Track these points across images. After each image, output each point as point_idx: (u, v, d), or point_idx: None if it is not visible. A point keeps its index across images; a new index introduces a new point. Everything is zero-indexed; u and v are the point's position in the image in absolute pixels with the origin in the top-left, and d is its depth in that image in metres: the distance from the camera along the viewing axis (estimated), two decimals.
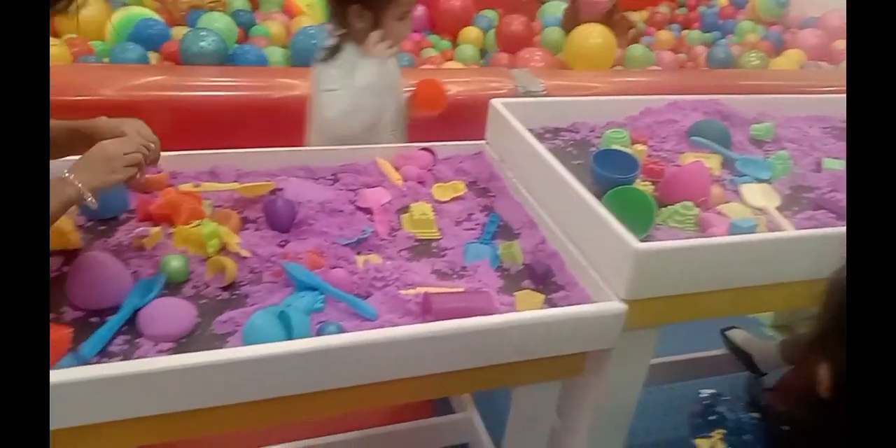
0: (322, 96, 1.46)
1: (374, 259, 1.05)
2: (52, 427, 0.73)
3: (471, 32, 3.16)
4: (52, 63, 2.14)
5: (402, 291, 0.96)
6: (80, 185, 0.86)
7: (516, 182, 1.25)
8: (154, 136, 0.97)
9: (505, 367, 0.93)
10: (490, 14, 3.35)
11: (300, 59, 2.23)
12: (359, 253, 1.07)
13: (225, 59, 2.18)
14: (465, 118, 1.41)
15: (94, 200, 0.88)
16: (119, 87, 1.82)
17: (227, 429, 0.89)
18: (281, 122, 1.82)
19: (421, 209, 1.16)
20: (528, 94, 2.07)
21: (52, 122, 1.00)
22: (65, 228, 1.03)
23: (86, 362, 0.81)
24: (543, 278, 1.04)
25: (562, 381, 1.12)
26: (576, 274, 1.03)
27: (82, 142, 0.95)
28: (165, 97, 1.82)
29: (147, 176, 1.18)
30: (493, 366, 0.92)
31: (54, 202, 0.85)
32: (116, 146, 0.91)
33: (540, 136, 1.33)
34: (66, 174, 0.88)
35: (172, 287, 0.96)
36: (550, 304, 0.99)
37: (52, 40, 2.25)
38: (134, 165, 0.91)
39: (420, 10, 3.08)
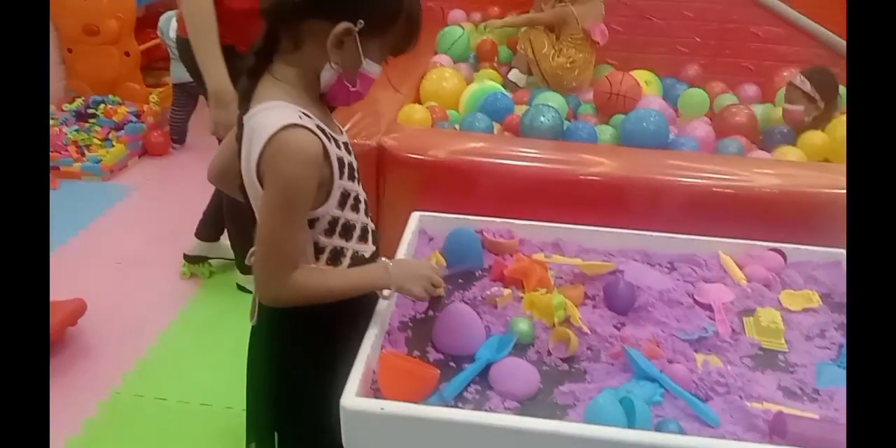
0: None
1: (715, 361, 1.01)
2: None
3: None
4: (415, 125, 2.46)
5: (749, 404, 0.91)
6: (391, 278, 1.00)
7: None
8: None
9: None
10: None
11: (630, 139, 2.30)
12: (697, 351, 1.04)
13: (559, 134, 2.34)
14: (820, 218, 1.30)
15: (388, 295, 1.03)
16: (457, 149, 2.04)
17: None
18: (604, 201, 1.88)
19: (770, 316, 1.10)
20: None
21: None
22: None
23: (446, 403, 0.91)
24: None
25: None
26: None
27: None
28: (495, 165, 2.00)
29: (500, 240, 1.31)
30: None
31: (367, 277, 1.01)
32: (436, 271, 1.06)
33: None
34: (390, 264, 1.02)
35: (518, 348, 1.04)
36: None
37: (416, 106, 2.62)
38: (429, 293, 1.04)
39: None
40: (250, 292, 2.14)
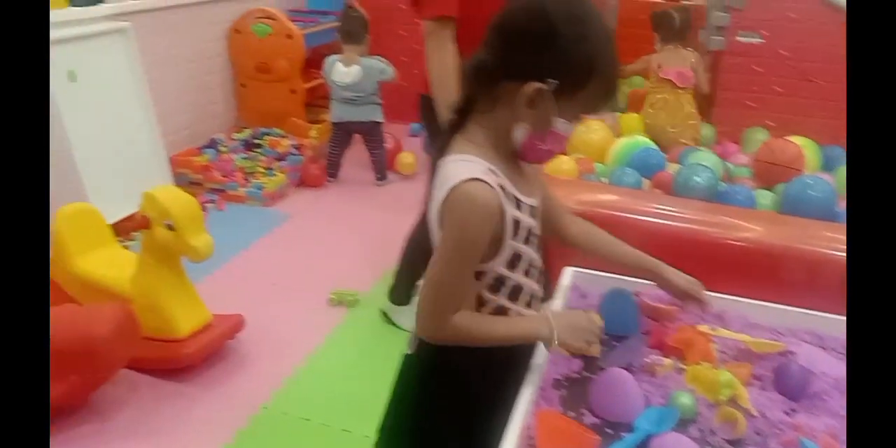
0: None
1: None
2: None
3: None
4: (561, 177, 2.44)
5: None
6: (555, 332, 1.00)
7: None
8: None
9: None
10: None
11: (791, 207, 2.20)
12: None
13: (714, 196, 2.28)
14: None
15: (551, 349, 1.02)
16: (607, 202, 2.03)
17: None
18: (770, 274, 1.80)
19: None
20: None
21: (624, 248, 1.20)
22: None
23: None
24: None
25: None
26: None
27: (645, 274, 1.10)
28: (647, 222, 1.97)
29: (660, 305, 1.29)
30: None
31: (527, 326, 1.01)
32: (597, 326, 1.04)
33: None
34: (552, 315, 1.02)
35: (679, 423, 1.01)
36: None
37: (563, 157, 2.64)
38: (588, 346, 1.03)
39: None
40: (394, 324, 2.25)
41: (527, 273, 1.04)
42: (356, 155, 3.59)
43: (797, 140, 2.74)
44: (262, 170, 3.37)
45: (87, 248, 2.07)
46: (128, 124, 2.84)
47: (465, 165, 0.96)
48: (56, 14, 2.58)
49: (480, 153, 0.98)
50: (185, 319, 1.96)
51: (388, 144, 3.58)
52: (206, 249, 1.87)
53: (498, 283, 1.02)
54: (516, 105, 0.94)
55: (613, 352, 1.18)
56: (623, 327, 1.24)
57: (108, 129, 2.73)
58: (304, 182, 3.48)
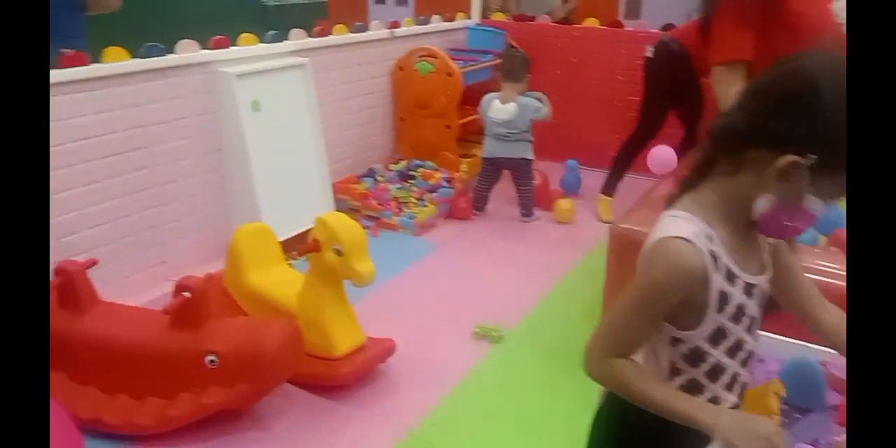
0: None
1: None
2: None
3: None
4: None
5: None
6: (718, 426, 0.88)
7: None
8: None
9: None
10: None
11: None
12: None
13: None
14: None
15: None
16: None
17: None
18: None
19: None
20: None
21: None
22: (772, 405, 1.10)
23: None
24: None
25: None
26: None
27: None
28: (827, 284, 1.82)
29: None
30: None
31: (690, 408, 0.91)
32: (780, 439, 0.89)
33: None
34: (726, 411, 0.93)
35: None
36: None
37: None
38: None
39: None
40: None
41: (732, 354, 0.98)
42: (503, 190, 3.63)
43: None
44: (415, 200, 3.50)
45: (259, 264, 2.24)
46: (300, 152, 3.07)
47: (681, 223, 0.93)
48: (248, 50, 2.87)
49: (704, 216, 0.93)
50: (342, 339, 2.05)
51: (537, 181, 3.60)
52: (370, 275, 1.95)
53: (696, 357, 0.97)
54: (765, 175, 0.88)
55: (796, 426, 1.10)
56: (807, 400, 1.15)
57: (283, 155, 2.96)
58: (452, 214, 3.56)
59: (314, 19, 5.57)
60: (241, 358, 1.76)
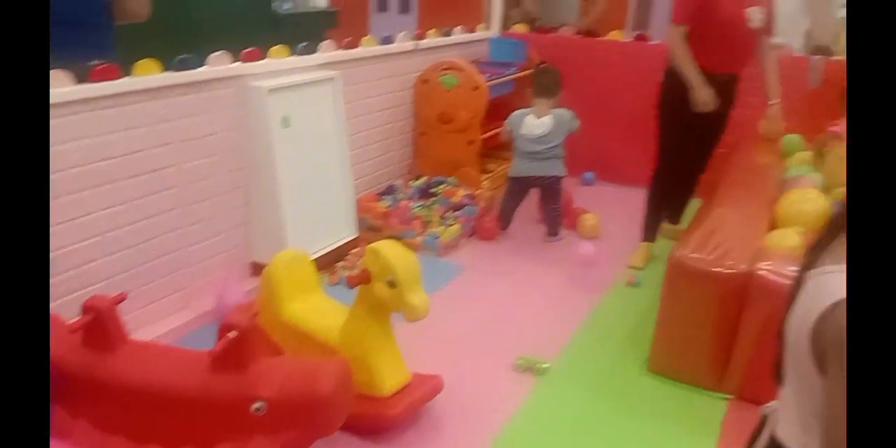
0: None
1: None
2: None
3: None
4: (790, 252, 2.20)
5: None
6: None
7: None
8: None
9: None
10: None
11: None
12: None
13: None
14: None
15: None
16: None
17: None
18: None
19: None
20: None
21: None
22: None
23: None
24: None
25: None
26: None
27: None
28: None
29: None
30: None
31: None
32: None
33: None
34: None
35: None
36: None
37: (788, 232, 2.41)
38: None
39: None
40: None
41: None
42: (524, 206, 3.52)
43: None
44: (438, 219, 3.37)
45: (296, 294, 2.09)
46: (327, 169, 2.93)
47: None
48: (279, 62, 2.73)
49: None
50: (389, 377, 1.92)
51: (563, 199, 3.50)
52: (424, 309, 1.82)
53: None
54: None
55: None
56: None
57: (310, 172, 2.82)
58: (476, 233, 3.44)
59: (325, 28, 5.45)
60: (292, 404, 1.61)
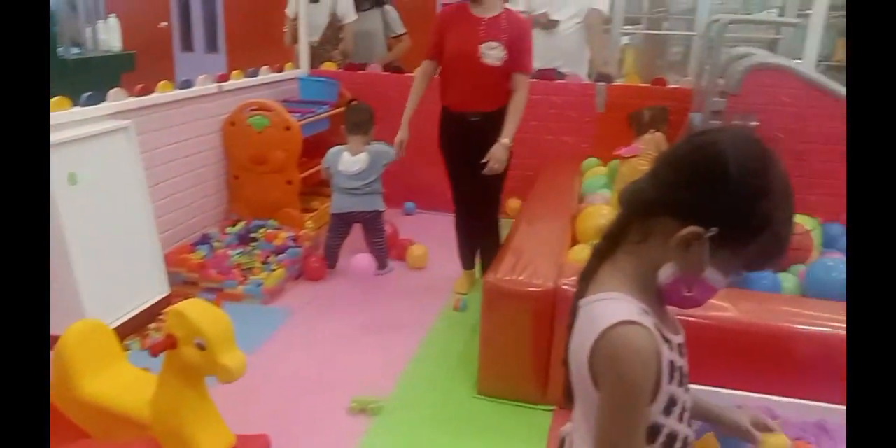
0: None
1: None
2: None
3: None
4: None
5: None
6: None
7: None
8: None
9: None
10: None
11: (816, 289, 2.20)
12: None
13: (740, 282, 2.27)
14: None
15: None
16: None
17: None
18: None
19: None
20: None
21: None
22: None
23: None
24: None
25: None
26: None
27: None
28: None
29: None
30: None
31: None
32: None
33: None
34: None
35: None
36: None
37: (585, 247, 2.60)
38: None
39: None
40: None
41: (681, 418, 0.95)
42: (350, 243, 3.50)
43: (801, 219, 2.78)
44: (260, 265, 3.24)
45: (96, 369, 1.90)
46: (126, 225, 2.72)
47: (619, 305, 0.88)
48: (60, 115, 2.50)
49: (629, 289, 0.91)
50: (210, 445, 1.79)
51: (388, 231, 3.52)
52: (240, 369, 1.72)
53: (653, 432, 0.92)
54: (670, 243, 0.88)
55: None
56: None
57: (107, 231, 2.60)
58: (304, 275, 3.36)
59: (120, 73, 5.11)
60: None
